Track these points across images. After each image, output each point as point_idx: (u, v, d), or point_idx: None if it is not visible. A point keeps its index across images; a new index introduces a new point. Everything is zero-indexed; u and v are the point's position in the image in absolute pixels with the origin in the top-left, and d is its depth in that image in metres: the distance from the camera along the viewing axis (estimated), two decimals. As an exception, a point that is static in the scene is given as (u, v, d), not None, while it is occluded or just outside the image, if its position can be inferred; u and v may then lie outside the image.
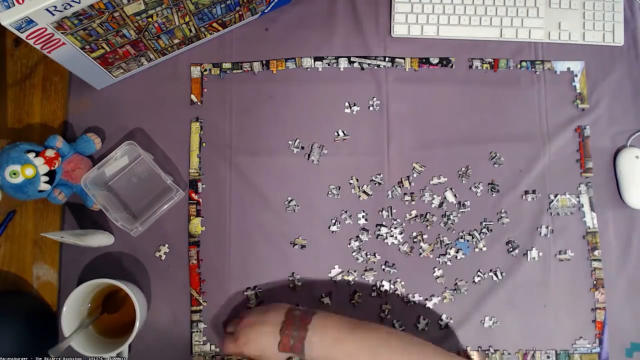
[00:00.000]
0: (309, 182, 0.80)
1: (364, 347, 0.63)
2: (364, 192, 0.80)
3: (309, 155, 0.80)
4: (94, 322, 0.71)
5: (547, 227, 0.80)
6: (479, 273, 0.78)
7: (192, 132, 0.80)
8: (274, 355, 0.64)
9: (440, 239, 0.79)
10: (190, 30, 0.76)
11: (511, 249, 0.79)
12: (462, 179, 0.80)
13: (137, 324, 0.68)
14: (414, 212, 0.79)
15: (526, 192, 0.80)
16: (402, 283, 0.78)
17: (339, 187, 0.80)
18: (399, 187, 0.79)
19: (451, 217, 0.79)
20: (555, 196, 0.80)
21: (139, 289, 0.74)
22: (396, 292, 0.77)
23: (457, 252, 0.78)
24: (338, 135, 0.80)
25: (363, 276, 0.78)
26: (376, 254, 0.78)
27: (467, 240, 0.78)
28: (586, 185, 0.81)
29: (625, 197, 0.79)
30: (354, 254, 0.78)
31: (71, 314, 0.68)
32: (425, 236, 0.78)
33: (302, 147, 0.80)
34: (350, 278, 0.77)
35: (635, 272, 0.79)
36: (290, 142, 0.80)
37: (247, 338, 0.65)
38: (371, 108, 0.82)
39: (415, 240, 0.78)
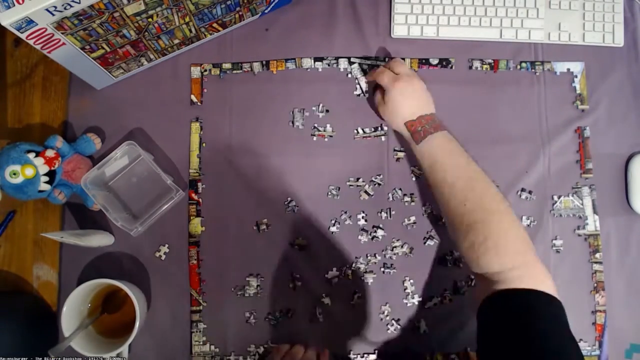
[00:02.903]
0: (309, 182, 0.79)
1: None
2: (365, 192, 0.79)
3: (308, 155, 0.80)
4: (94, 322, 0.71)
5: (547, 228, 0.80)
6: (478, 274, 0.78)
7: (192, 132, 0.80)
8: None
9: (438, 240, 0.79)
10: (190, 31, 0.76)
11: (511, 250, 0.79)
12: (462, 180, 0.80)
13: (137, 324, 0.68)
14: (412, 218, 0.79)
15: (526, 193, 0.80)
16: (412, 281, 0.78)
17: (339, 188, 0.80)
18: (399, 189, 0.80)
19: (451, 217, 0.79)
20: (559, 198, 0.80)
21: (139, 289, 0.74)
22: (397, 293, 0.77)
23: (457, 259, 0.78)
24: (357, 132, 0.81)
25: (363, 277, 0.78)
26: (376, 255, 0.78)
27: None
28: (589, 188, 0.81)
29: (633, 202, 0.79)
30: (353, 254, 0.78)
31: (71, 314, 0.68)
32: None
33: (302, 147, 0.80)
34: (350, 279, 0.78)
35: (634, 274, 0.79)
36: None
37: None
38: (371, 108, 0.82)
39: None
